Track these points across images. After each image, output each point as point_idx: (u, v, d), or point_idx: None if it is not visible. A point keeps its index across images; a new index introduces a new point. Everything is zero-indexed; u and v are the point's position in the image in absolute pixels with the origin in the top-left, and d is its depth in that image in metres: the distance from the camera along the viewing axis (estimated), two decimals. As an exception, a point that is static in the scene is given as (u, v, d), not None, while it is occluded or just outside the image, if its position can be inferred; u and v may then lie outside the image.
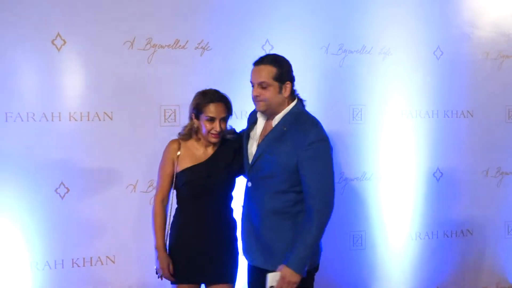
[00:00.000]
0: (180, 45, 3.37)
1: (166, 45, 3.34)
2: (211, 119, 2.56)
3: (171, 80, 3.36)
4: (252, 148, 2.53)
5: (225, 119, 2.59)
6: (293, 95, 2.48)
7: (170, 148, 2.67)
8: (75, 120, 3.23)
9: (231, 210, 2.73)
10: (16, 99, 3.14)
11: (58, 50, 3.16)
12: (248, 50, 3.36)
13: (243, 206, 2.59)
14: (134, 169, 3.33)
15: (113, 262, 3.35)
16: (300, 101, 2.50)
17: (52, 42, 3.14)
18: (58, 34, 3.15)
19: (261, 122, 2.53)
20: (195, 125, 2.64)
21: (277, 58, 2.44)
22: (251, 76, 2.43)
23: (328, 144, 2.37)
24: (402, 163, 3.87)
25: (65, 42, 3.16)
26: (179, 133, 2.71)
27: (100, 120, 3.26)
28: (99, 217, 3.32)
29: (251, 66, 2.48)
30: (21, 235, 3.21)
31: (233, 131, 2.72)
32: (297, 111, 2.44)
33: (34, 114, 3.15)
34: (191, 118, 2.66)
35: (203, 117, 2.58)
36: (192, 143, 2.68)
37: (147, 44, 3.31)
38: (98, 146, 3.30)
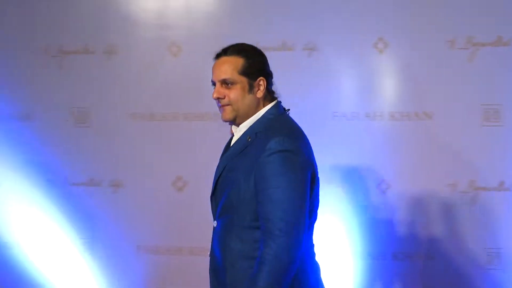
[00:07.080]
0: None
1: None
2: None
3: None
4: None
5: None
6: (271, 96, 1.94)
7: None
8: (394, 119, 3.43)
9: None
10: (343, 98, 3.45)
11: (380, 53, 3.38)
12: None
13: (210, 255, 1.97)
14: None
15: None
16: (278, 103, 1.95)
17: (375, 46, 3.37)
18: (380, 38, 3.38)
19: (237, 134, 1.95)
20: None
21: (245, 47, 1.93)
22: (212, 73, 1.90)
23: (293, 157, 1.76)
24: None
25: (386, 45, 3.37)
26: None
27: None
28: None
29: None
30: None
31: None
32: (270, 117, 1.88)
33: (358, 114, 3.40)
34: None
35: None
36: None
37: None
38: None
